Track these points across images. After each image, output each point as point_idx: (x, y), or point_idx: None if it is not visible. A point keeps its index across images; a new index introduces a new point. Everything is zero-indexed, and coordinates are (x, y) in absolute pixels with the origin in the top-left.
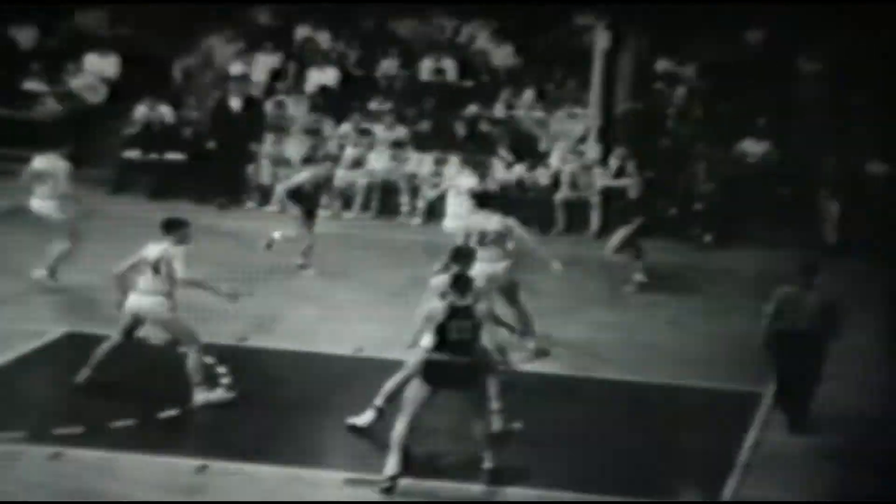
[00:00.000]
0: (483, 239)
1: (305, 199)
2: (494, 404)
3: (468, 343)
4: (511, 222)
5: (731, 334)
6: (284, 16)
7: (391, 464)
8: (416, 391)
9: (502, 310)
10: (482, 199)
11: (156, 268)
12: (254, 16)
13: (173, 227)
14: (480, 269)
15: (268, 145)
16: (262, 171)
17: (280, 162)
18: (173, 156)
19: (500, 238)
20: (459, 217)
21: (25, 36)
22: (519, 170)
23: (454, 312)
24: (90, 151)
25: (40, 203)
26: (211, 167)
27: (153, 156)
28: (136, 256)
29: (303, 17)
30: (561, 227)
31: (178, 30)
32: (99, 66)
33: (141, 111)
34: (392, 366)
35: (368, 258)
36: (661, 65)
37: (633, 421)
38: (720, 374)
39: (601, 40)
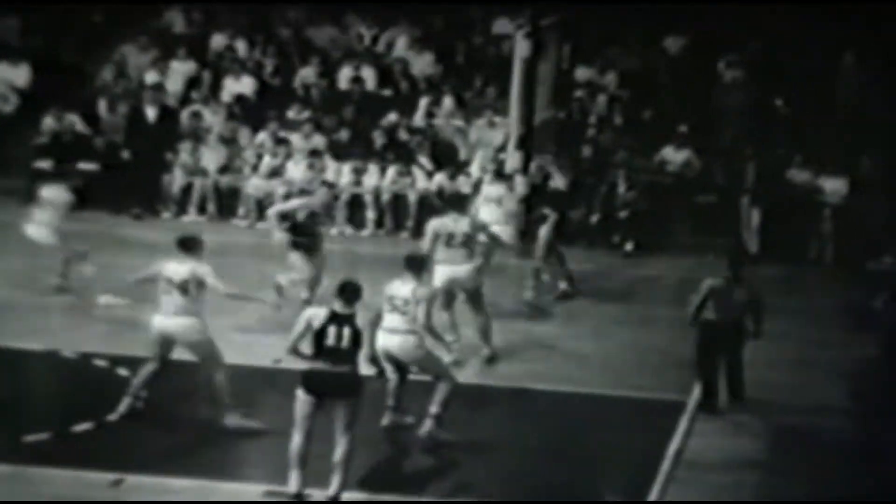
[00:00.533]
0: (450, 240)
1: (305, 233)
2: (433, 409)
3: (347, 352)
4: (481, 223)
5: (654, 342)
6: (200, 24)
7: (293, 480)
8: (300, 404)
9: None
10: (452, 201)
11: (184, 288)
12: (168, 23)
13: (195, 245)
14: (444, 272)
15: (184, 155)
16: (176, 182)
17: (196, 172)
18: (87, 165)
19: (468, 240)
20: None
21: None
22: (439, 178)
23: (334, 319)
24: (1, 162)
25: (34, 229)
26: (126, 177)
27: (66, 166)
28: (152, 271)
29: (219, 25)
30: None
31: (92, 38)
32: (10, 76)
33: (48, 122)
34: None
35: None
36: (582, 73)
37: (557, 430)
38: (644, 383)
39: (521, 48)
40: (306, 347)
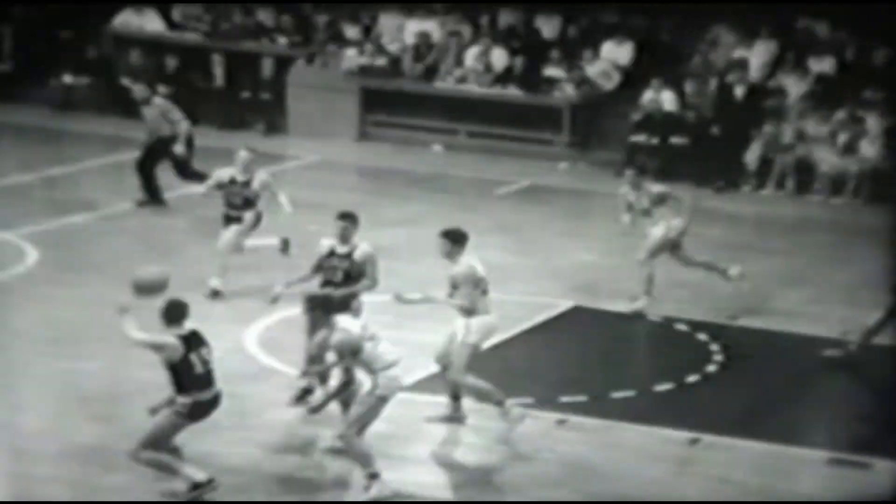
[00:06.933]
0: None
1: None
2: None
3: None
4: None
5: None
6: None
7: None
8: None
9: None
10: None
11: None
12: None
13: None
14: None
15: (766, 131)
16: (753, 156)
17: (777, 148)
18: (677, 140)
19: None
20: None
21: (550, 26)
22: None
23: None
24: (600, 135)
25: None
26: (712, 151)
27: (656, 140)
28: None
29: (802, 9)
30: None
31: (688, 18)
32: (614, 54)
33: (648, 96)
34: None
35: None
36: None
37: None
38: None
39: None
40: None
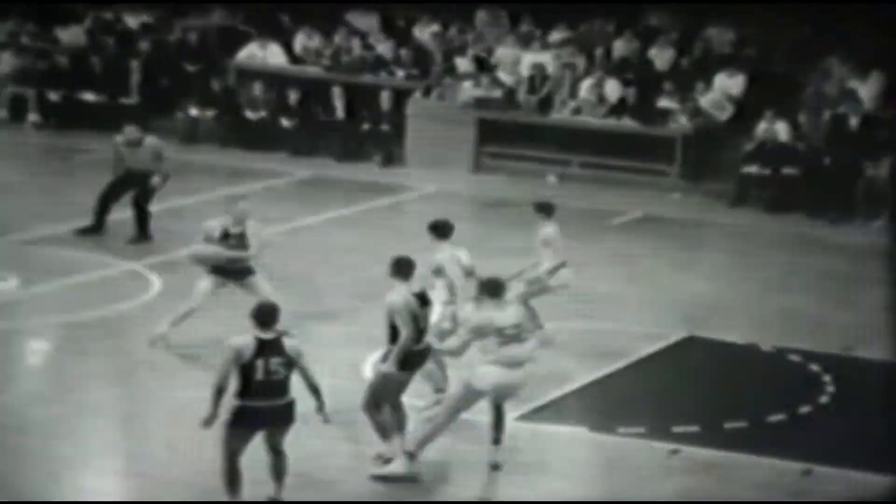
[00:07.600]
0: None
1: None
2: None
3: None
4: None
5: None
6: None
7: None
8: None
9: None
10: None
11: None
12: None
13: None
14: None
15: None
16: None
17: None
18: (788, 171)
19: None
20: None
21: (663, 57)
22: None
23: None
24: (712, 166)
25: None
26: (824, 182)
27: (768, 171)
28: None
29: None
30: None
31: (801, 49)
32: (727, 86)
33: (762, 127)
34: None
35: None
36: None
37: None
38: None
39: None
40: None
